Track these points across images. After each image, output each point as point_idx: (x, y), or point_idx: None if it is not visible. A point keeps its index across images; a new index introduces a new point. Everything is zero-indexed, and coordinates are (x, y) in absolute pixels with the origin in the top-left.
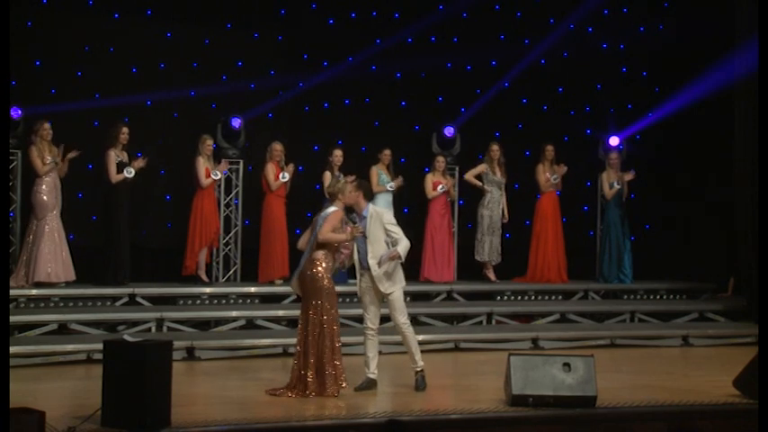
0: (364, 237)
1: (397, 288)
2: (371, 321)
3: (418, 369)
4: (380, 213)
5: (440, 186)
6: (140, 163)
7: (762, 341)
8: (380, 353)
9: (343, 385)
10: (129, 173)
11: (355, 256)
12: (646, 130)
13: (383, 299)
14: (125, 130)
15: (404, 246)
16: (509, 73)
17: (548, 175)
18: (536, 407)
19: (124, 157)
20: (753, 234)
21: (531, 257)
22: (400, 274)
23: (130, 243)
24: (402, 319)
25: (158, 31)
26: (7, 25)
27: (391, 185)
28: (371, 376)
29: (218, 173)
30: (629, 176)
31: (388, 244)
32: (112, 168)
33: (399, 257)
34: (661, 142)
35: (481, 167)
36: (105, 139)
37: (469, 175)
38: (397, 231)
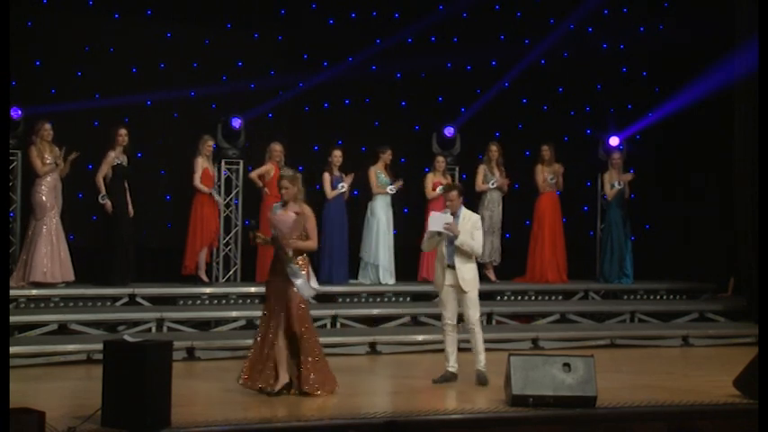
0: (453, 236)
1: (475, 287)
2: (450, 318)
3: (480, 368)
4: (473, 217)
5: (439, 188)
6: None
7: (762, 341)
8: (383, 353)
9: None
10: (103, 198)
11: (444, 251)
12: (646, 130)
13: (460, 296)
14: (123, 131)
15: (476, 246)
16: (509, 73)
17: (545, 176)
18: (536, 407)
19: (123, 158)
20: (753, 234)
21: (530, 258)
22: (477, 276)
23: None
24: (477, 316)
25: (158, 32)
26: (7, 26)
27: (392, 188)
28: (451, 370)
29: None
30: (628, 177)
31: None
32: (102, 168)
33: (455, 235)
34: (661, 142)
35: (482, 169)
36: (105, 140)
37: (479, 182)
38: (478, 238)
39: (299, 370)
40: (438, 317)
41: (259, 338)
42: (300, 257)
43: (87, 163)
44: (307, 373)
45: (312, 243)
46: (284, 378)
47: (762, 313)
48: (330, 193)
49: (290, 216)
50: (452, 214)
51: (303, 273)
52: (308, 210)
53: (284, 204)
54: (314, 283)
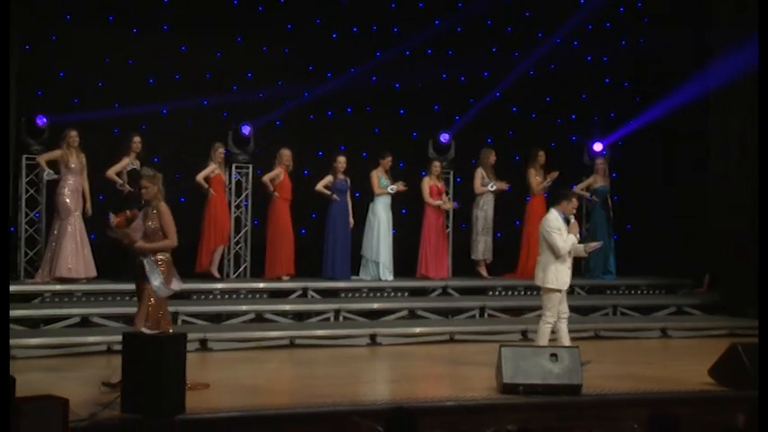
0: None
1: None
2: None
3: None
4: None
5: (437, 202)
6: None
7: (762, 339)
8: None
9: None
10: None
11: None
12: (627, 136)
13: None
14: (137, 139)
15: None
16: (500, 83)
17: (539, 179)
18: (526, 394)
19: (137, 164)
20: (726, 234)
21: (522, 256)
22: None
23: None
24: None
25: (173, 45)
26: (7, 26)
27: (392, 188)
28: None
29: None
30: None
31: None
32: (115, 166)
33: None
34: (641, 148)
35: (480, 173)
36: (124, 146)
37: (477, 185)
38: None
39: None
40: (434, 311)
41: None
42: (160, 255)
43: (107, 168)
44: None
45: (168, 242)
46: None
47: (762, 313)
48: (319, 187)
49: (137, 218)
50: (566, 220)
51: (161, 271)
52: (164, 208)
53: (145, 204)
54: (175, 284)
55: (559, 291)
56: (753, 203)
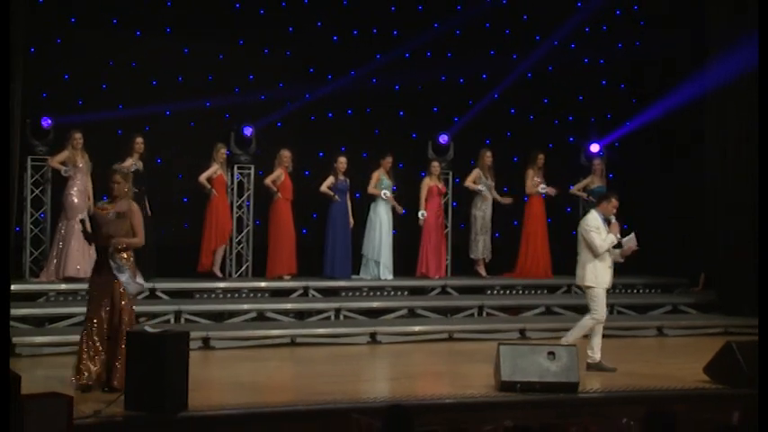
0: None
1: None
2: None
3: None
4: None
5: (420, 213)
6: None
7: (762, 338)
8: (383, 343)
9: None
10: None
11: (608, 253)
12: (624, 137)
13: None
14: (139, 140)
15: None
16: (499, 85)
17: (537, 179)
18: (523, 392)
19: (140, 165)
20: (722, 234)
21: (521, 255)
22: None
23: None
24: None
25: (176, 47)
26: (7, 26)
27: (386, 193)
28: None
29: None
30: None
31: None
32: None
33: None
34: (637, 149)
35: (476, 173)
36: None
37: (469, 183)
38: (592, 238)
39: (116, 365)
40: (433, 309)
41: (85, 336)
42: (125, 253)
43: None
44: (122, 368)
45: (137, 240)
46: (98, 372)
47: (762, 313)
48: (323, 188)
49: (110, 214)
50: (607, 220)
51: (127, 268)
52: (135, 207)
53: (113, 200)
54: (140, 279)
55: (601, 289)
56: (749, 204)
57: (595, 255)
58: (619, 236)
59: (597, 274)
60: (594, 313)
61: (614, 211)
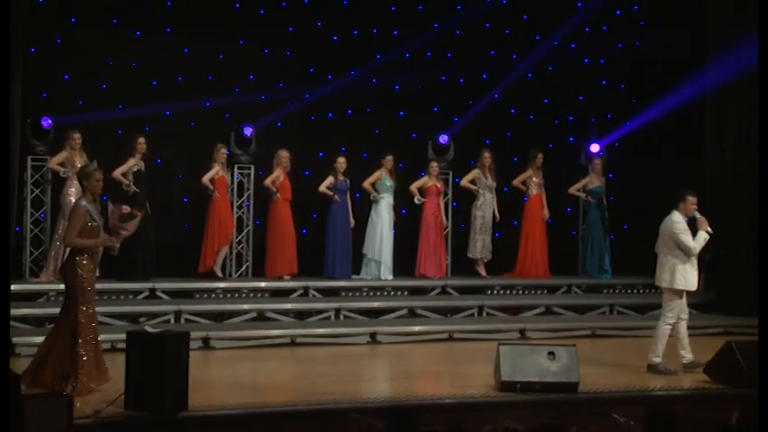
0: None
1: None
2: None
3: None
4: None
5: (416, 199)
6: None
7: (762, 338)
8: (383, 343)
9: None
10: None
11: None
12: (624, 137)
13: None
14: (141, 140)
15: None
16: (499, 85)
17: (536, 180)
18: (523, 392)
19: (142, 165)
20: (721, 234)
21: (521, 255)
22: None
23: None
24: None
25: (176, 47)
26: (7, 26)
27: (374, 197)
28: (682, 360)
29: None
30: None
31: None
32: (121, 167)
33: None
34: (637, 149)
35: (474, 173)
36: (128, 147)
37: (465, 182)
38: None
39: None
40: (433, 309)
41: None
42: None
43: (112, 169)
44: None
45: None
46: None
47: (762, 312)
48: (322, 188)
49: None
50: (692, 219)
51: None
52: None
53: (94, 198)
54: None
55: (685, 292)
56: (748, 203)
57: (689, 256)
58: (709, 229)
59: (686, 276)
60: (668, 318)
61: (694, 207)
